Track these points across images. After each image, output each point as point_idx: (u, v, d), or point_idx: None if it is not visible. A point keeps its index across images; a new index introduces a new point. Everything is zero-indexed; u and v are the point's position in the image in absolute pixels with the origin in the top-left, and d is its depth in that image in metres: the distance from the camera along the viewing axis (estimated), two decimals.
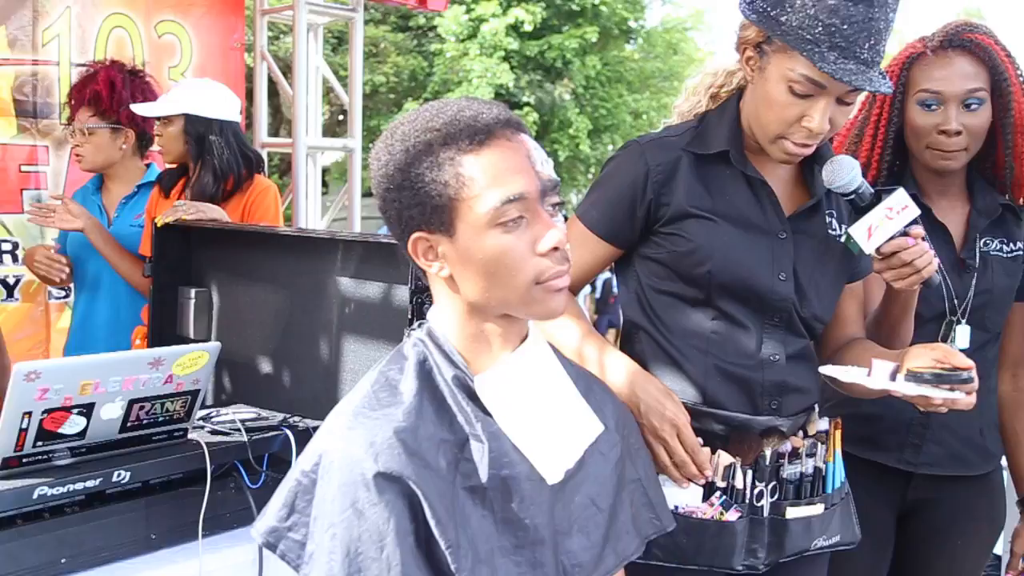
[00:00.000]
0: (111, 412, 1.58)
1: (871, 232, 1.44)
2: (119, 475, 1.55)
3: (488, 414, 1.15)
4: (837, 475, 1.58)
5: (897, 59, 1.88)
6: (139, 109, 2.76)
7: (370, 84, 13.32)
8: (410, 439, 1.08)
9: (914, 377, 1.37)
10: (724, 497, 1.48)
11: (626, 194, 1.54)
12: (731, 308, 1.50)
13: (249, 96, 4.66)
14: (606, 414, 1.28)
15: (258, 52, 4.46)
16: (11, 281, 3.62)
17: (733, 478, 1.49)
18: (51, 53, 3.65)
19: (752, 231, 1.51)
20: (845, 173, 1.47)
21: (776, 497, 1.52)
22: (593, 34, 14.73)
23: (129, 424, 1.62)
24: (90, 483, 1.52)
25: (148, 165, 2.99)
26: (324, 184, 11.86)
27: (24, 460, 1.49)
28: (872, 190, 1.48)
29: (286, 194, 4.44)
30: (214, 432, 1.77)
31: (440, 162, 1.10)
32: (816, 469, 1.55)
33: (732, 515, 1.48)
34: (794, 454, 1.52)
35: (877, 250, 1.46)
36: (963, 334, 1.70)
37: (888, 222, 1.44)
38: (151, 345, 2.45)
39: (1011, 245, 1.87)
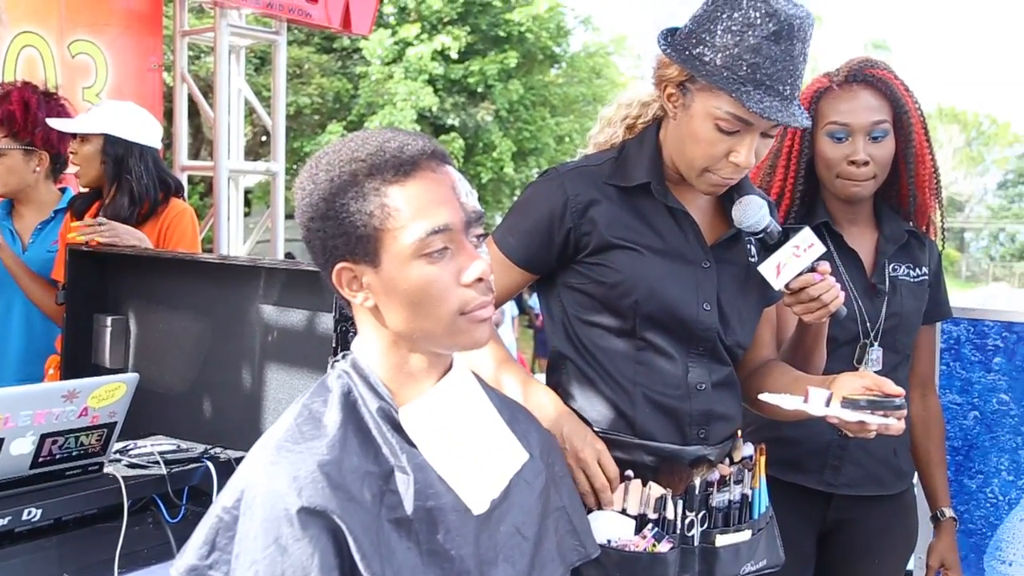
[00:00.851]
0: (21, 447, 1.53)
1: (779, 270, 1.50)
2: (29, 513, 1.51)
3: (413, 445, 1.15)
4: (762, 500, 1.61)
5: (805, 93, 1.95)
6: (58, 124, 2.68)
7: (294, 106, 13.19)
8: (334, 472, 1.07)
9: (851, 404, 1.42)
10: (656, 529, 1.49)
11: (543, 222, 1.55)
12: (657, 338, 1.53)
13: (168, 116, 4.57)
14: (531, 442, 1.29)
15: (178, 74, 4.39)
16: None
17: (664, 509, 1.49)
18: None
19: (676, 261, 1.54)
20: (753, 213, 1.51)
21: (706, 526, 1.53)
22: (514, 59, 14.88)
23: (41, 459, 1.57)
24: None
25: (63, 190, 2.91)
26: (247, 203, 11.67)
27: None
28: (780, 228, 1.53)
29: (207, 217, 4.36)
30: (131, 465, 1.73)
31: (365, 192, 1.11)
32: (743, 496, 1.57)
33: (664, 546, 1.49)
34: (722, 482, 1.54)
35: (786, 286, 1.51)
36: (877, 356, 1.76)
37: (795, 260, 1.49)
38: (65, 374, 2.38)
39: (917, 270, 1.96)
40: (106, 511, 1.61)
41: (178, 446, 1.86)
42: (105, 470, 1.67)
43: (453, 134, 14.70)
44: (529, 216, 1.57)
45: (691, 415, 1.54)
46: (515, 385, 1.52)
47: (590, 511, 1.47)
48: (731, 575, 1.55)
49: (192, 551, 1.10)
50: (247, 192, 10.08)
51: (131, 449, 1.81)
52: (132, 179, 2.64)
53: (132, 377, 1.66)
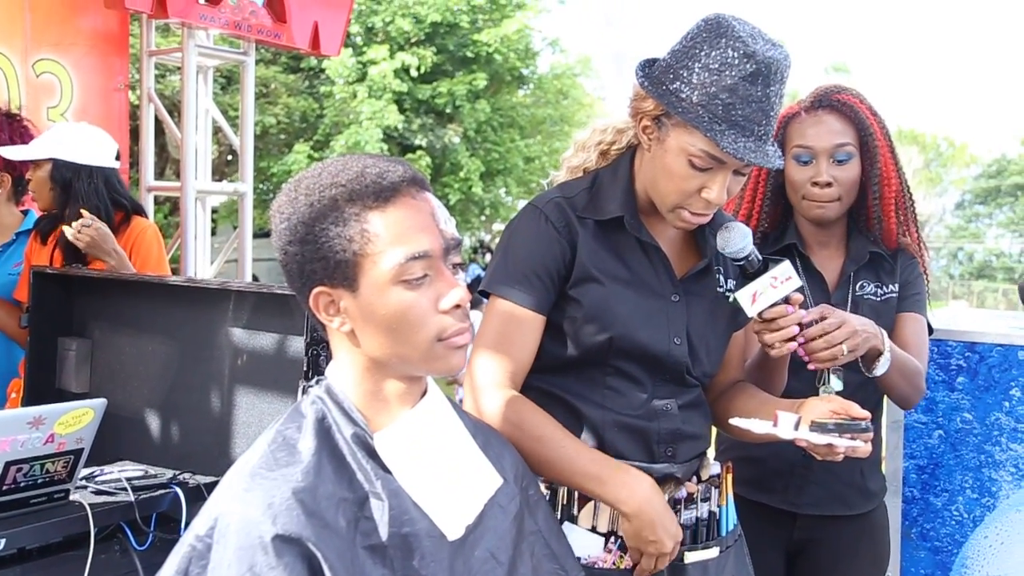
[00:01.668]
0: None
1: (755, 298, 1.53)
2: None
3: (388, 471, 1.14)
4: (730, 518, 1.63)
5: None
6: (6, 152, 2.65)
7: (260, 125, 13.13)
8: (309, 499, 1.06)
9: (819, 427, 1.45)
10: (620, 540, 1.50)
11: (543, 254, 1.52)
12: (625, 366, 1.54)
13: (135, 136, 4.53)
14: (505, 467, 1.29)
15: (144, 94, 4.35)
16: None
17: None
18: None
19: (648, 296, 1.55)
20: (738, 240, 1.53)
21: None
22: (482, 80, 14.95)
23: (5, 487, 1.54)
24: None
25: (25, 212, 2.87)
26: (212, 221, 11.57)
27: None
28: (761, 257, 1.55)
29: (175, 238, 4.32)
30: (98, 492, 1.71)
31: (345, 218, 1.11)
32: (711, 513, 1.59)
33: (630, 560, 1.50)
34: (689, 499, 1.56)
35: (759, 314, 1.54)
36: (836, 378, 1.78)
37: (772, 290, 1.53)
38: (28, 398, 2.34)
39: (884, 288, 1.98)
40: (72, 539, 1.58)
41: (146, 472, 1.84)
42: (71, 497, 1.64)
43: (420, 152, 14.72)
44: (527, 257, 1.53)
45: (659, 434, 1.55)
46: (599, 461, 1.47)
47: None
48: None
49: None
50: (212, 211, 10.00)
51: (98, 475, 1.78)
52: (79, 204, 2.60)
53: (100, 403, 1.64)
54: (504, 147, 15.95)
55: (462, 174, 15.19)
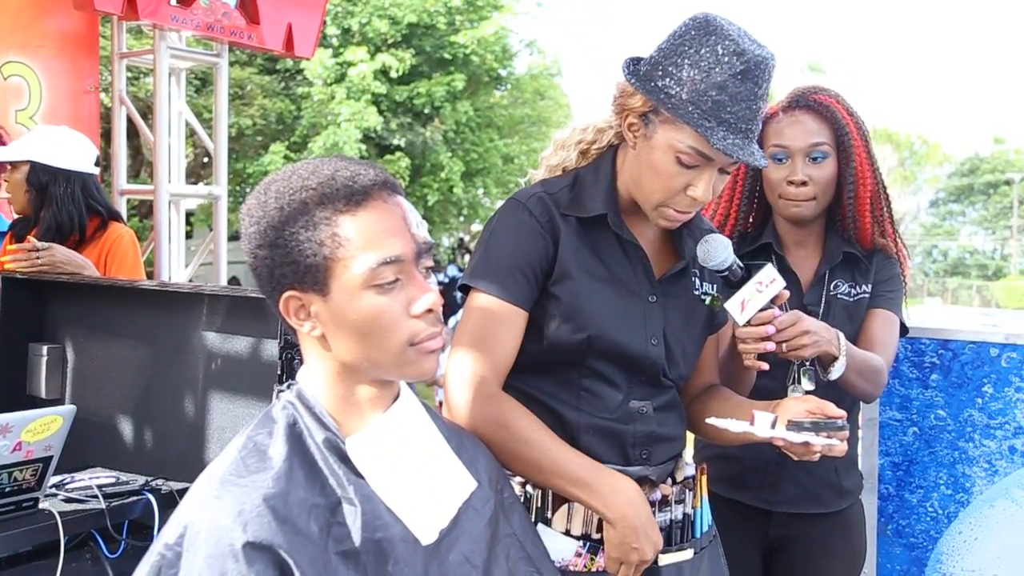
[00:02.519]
0: None
1: (744, 306, 1.55)
2: None
3: (360, 476, 1.13)
4: (704, 519, 1.63)
5: None
6: None
7: (236, 127, 13.03)
8: (280, 505, 1.05)
9: (796, 426, 1.46)
10: (589, 543, 1.50)
11: (526, 249, 1.50)
12: (602, 367, 1.53)
13: (106, 138, 4.49)
14: (479, 469, 1.28)
15: (116, 96, 4.31)
16: None
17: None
18: None
19: (625, 295, 1.54)
20: (719, 252, 1.54)
21: None
22: (460, 82, 14.93)
23: None
24: None
25: None
26: (188, 225, 11.48)
27: None
28: (743, 265, 1.56)
29: (148, 241, 4.28)
30: (68, 500, 1.69)
31: (316, 222, 1.10)
32: (685, 515, 1.59)
33: (602, 559, 1.50)
34: (663, 502, 1.56)
35: (748, 321, 1.55)
36: (807, 379, 1.78)
37: (758, 295, 1.54)
38: None
39: (857, 288, 1.99)
40: (41, 548, 1.56)
41: (118, 478, 1.82)
42: (40, 505, 1.62)
43: (399, 153, 14.67)
44: (511, 252, 1.51)
45: (634, 437, 1.55)
46: (587, 466, 1.46)
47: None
48: None
49: None
50: (188, 214, 9.92)
51: (68, 483, 1.76)
52: (54, 209, 2.58)
53: (69, 409, 1.62)
54: (483, 147, 15.94)
55: (443, 174, 15.16)
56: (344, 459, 1.13)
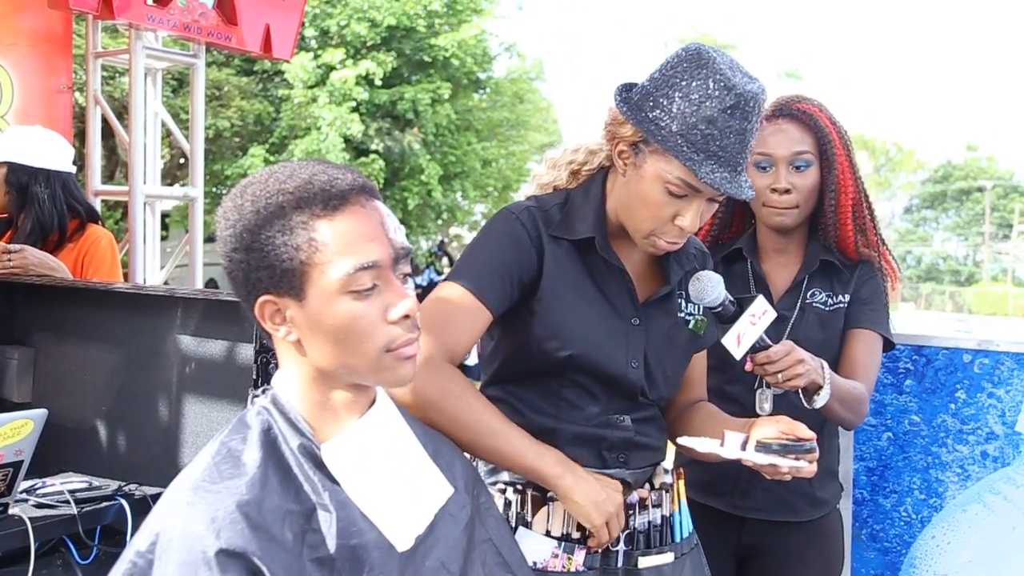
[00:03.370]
0: None
1: (739, 340, 1.58)
2: None
3: (335, 482, 1.13)
4: (685, 524, 1.63)
5: None
6: None
7: (213, 128, 12.94)
8: (254, 512, 1.04)
9: (764, 448, 1.47)
10: (564, 544, 1.50)
11: (510, 261, 1.51)
12: (583, 380, 1.55)
13: (81, 138, 4.44)
14: (455, 475, 1.28)
15: (91, 96, 4.27)
16: None
17: (587, 530, 1.50)
18: None
19: (609, 318, 1.55)
20: (712, 289, 1.56)
21: (629, 547, 1.55)
22: (446, 89, 14.93)
23: None
24: None
25: None
26: (164, 227, 11.39)
27: None
28: (734, 299, 1.58)
29: (123, 243, 4.23)
30: (39, 505, 1.66)
31: (292, 226, 1.09)
32: (664, 518, 1.59)
33: (579, 556, 1.50)
34: (641, 504, 1.57)
35: (744, 354, 1.59)
36: (768, 404, 1.78)
37: (752, 328, 1.58)
38: None
39: (836, 297, 1.99)
40: (11, 555, 1.54)
41: (90, 484, 1.80)
42: (10, 511, 1.60)
43: (373, 156, 14.62)
44: (494, 257, 1.52)
45: (612, 442, 1.56)
46: (523, 440, 1.48)
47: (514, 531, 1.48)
48: None
49: None
50: (164, 215, 9.83)
51: (39, 488, 1.73)
52: (35, 209, 2.57)
53: (40, 413, 1.60)
54: (462, 150, 15.94)
55: (422, 177, 15.13)
56: (319, 465, 1.13)
